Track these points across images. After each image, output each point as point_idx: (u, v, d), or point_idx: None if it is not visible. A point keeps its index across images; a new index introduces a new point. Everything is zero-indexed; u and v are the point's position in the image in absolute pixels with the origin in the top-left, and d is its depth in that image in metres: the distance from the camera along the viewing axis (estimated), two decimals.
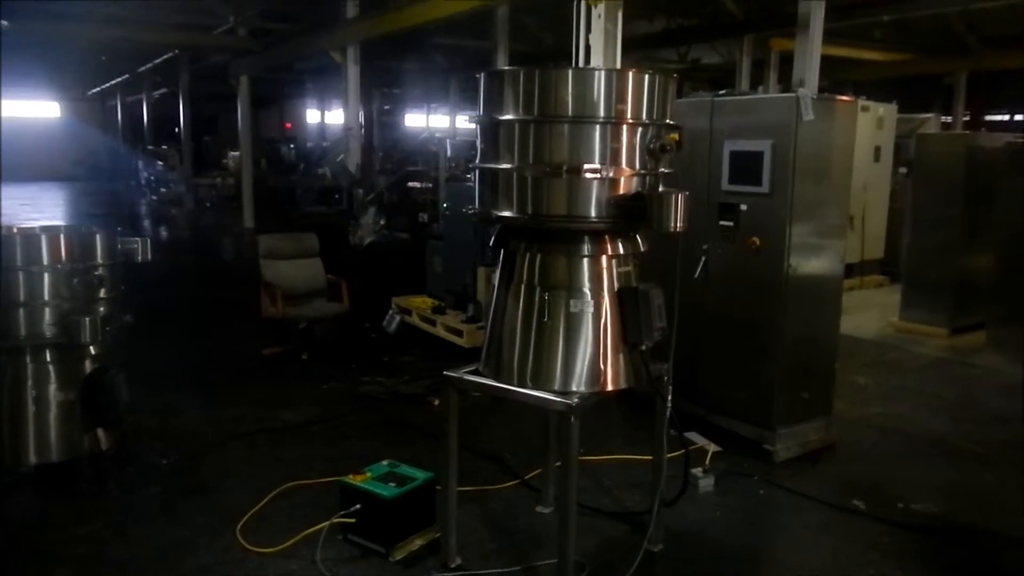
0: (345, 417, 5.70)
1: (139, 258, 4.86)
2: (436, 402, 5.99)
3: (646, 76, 3.23)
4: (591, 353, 3.37)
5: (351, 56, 12.14)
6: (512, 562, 3.77)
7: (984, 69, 17.36)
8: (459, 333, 6.95)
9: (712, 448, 5.06)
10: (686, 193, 3.16)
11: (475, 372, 3.65)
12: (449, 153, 11.49)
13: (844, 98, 4.85)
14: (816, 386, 5.12)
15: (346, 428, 5.50)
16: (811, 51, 9.32)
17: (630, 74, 3.22)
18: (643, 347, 3.41)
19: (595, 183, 3.20)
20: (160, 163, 25.02)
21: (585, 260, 3.37)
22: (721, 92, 5.29)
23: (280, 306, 6.67)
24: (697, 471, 4.68)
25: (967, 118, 19.14)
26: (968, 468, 5.04)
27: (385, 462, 4.06)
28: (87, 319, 4.36)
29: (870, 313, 9.37)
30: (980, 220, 8.30)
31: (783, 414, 4.96)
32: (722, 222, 5.07)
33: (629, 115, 3.21)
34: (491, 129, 3.40)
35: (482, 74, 3.49)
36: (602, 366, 3.38)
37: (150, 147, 26.06)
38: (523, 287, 3.46)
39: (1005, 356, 7.68)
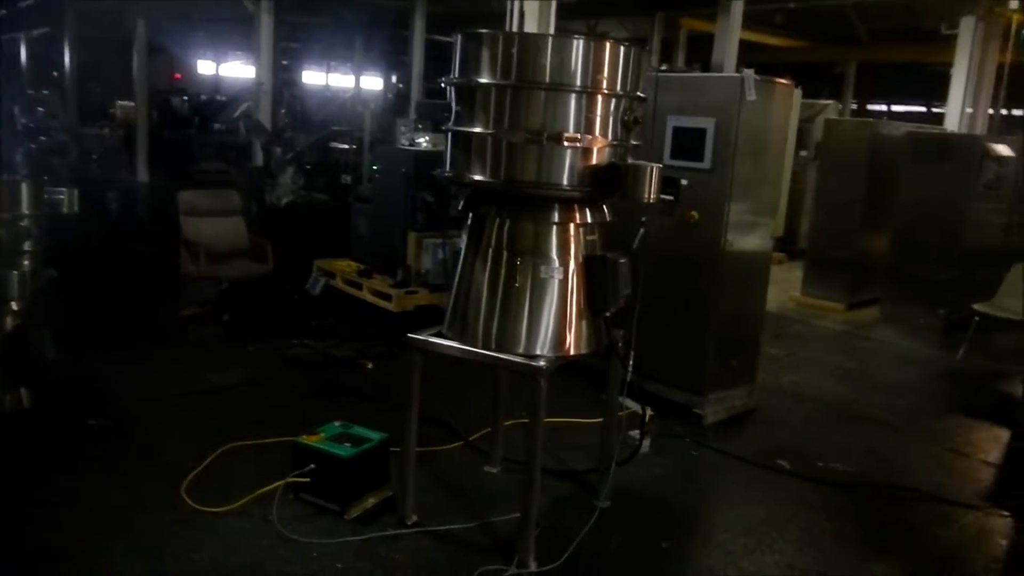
0: (277, 380, 5.61)
1: (65, 209, 4.61)
2: (370, 366, 5.97)
3: (622, 48, 3.30)
4: (556, 318, 3.45)
5: (265, 7, 11.72)
6: (468, 519, 3.84)
7: (871, 60, 18.41)
8: (387, 297, 6.90)
9: (645, 412, 5.26)
10: (660, 165, 3.26)
11: (438, 335, 3.67)
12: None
13: (782, 81, 5.07)
14: (744, 355, 5.39)
15: (280, 391, 5.41)
16: (731, 33, 9.65)
17: (607, 44, 3.28)
18: (607, 314, 3.52)
19: (571, 151, 3.26)
20: (40, 109, 23.39)
21: (555, 227, 3.44)
22: (662, 68, 5.43)
23: (202, 265, 6.45)
24: (635, 433, 4.86)
25: (854, 106, 20.25)
26: (876, 432, 5.44)
27: (337, 423, 4.04)
28: (14, 273, 4.12)
29: (773, 288, 9.78)
30: (880, 204, 8.85)
31: (713, 381, 5.21)
32: (662, 196, 5.21)
33: (606, 85, 3.27)
34: (467, 92, 3.40)
35: (458, 35, 3.48)
36: (567, 331, 3.47)
37: (29, 91, 24.31)
38: (491, 251, 3.50)
39: (897, 330, 8.29)
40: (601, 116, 3.30)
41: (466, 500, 4.10)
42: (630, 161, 3.36)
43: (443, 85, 3.51)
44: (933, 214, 8.30)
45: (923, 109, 22.64)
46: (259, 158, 12.24)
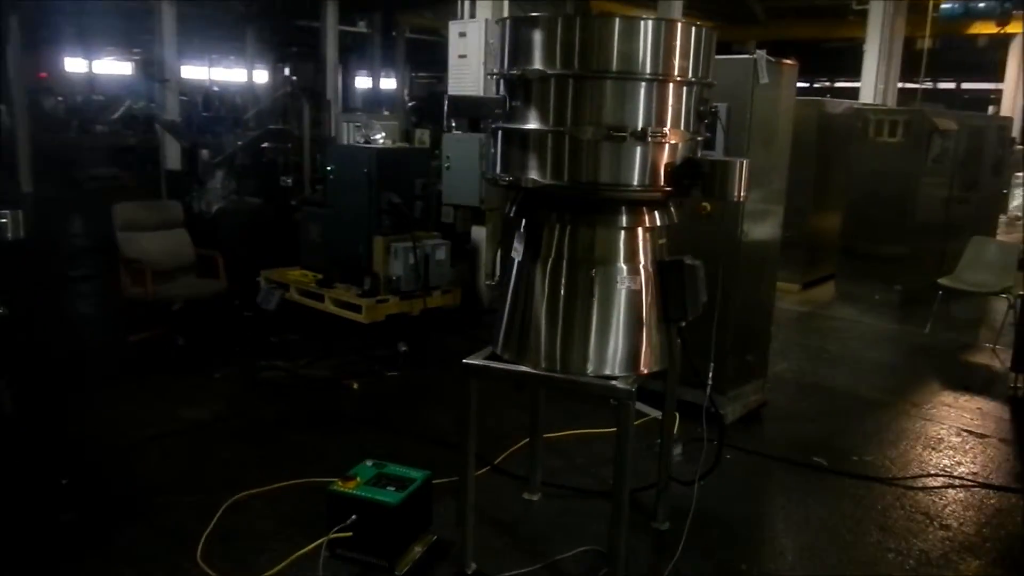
0: (256, 410, 5.04)
1: (9, 234, 3.93)
2: (355, 386, 5.47)
3: (693, 29, 2.96)
4: (628, 333, 3.11)
5: None
6: (529, 560, 3.46)
7: (769, 39, 18.83)
8: (355, 308, 6.38)
9: (656, 415, 5.01)
10: (747, 160, 2.95)
11: (492, 356, 3.27)
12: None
13: (788, 61, 4.86)
14: (758, 348, 5.20)
15: (263, 423, 4.86)
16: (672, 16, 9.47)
17: (679, 25, 2.94)
18: (682, 324, 3.21)
19: (645, 147, 2.91)
20: None
21: (623, 232, 3.09)
22: None
23: (149, 285, 5.76)
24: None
25: None
26: (891, 418, 5.34)
27: (369, 462, 3.58)
28: None
29: None
30: (829, 183, 8.90)
31: (731, 377, 4.98)
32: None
33: (679, 72, 2.94)
34: (520, 85, 3.00)
35: (505, 21, 3.07)
36: (640, 346, 3.14)
37: None
38: (551, 260, 3.13)
39: (855, 308, 8.36)
40: (674, 106, 2.96)
41: (516, 536, 3.72)
42: (712, 156, 3.04)
43: (492, 77, 3.10)
44: (884, 191, 8.38)
45: (828, 84, 23.43)
46: (169, 161, 11.36)
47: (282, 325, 6.64)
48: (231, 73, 30.61)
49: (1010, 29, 10.62)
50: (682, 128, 2.97)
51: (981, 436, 5.11)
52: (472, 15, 7.24)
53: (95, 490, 3.93)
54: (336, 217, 6.79)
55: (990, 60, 17.50)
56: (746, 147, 4.64)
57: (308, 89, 12.48)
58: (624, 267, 3.09)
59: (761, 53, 4.59)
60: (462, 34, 7.07)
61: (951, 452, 4.81)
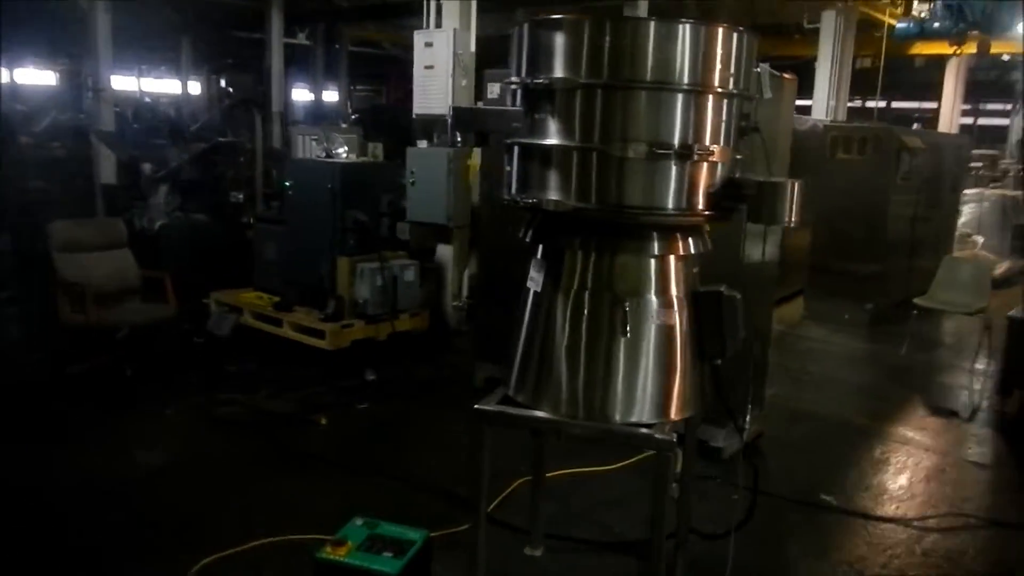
0: (218, 451, 4.56)
1: None
2: (323, 421, 5.02)
3: (735, 34, 2.66)
4: (660, 373, 2.77)
5: (101, 5, 10.19)
6: None
7: None
8: (317, 334, 5.93)
9: (678, 456, 4.70)
10: (800, 181, 2.66)
11: (506, 400, 2.90)
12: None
13: (788, 76, 4.63)
14: (756, 377, 4.93)
15: (227, 467, 4.38)
16: None
17: (721, 30, 2.63)
18: (718, 361, 2.89)
19: (686, 167, 2.59)
20: None
21: (657, 261, 2.76)
22: None
23: (91, 311, 5.21)
24: None
25: None
26: (891, 449, 5.12)
27: (360, 521, 3.15)
28: None
29: None
30: None
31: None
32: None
33: (719, 82, 2.63)
34: (540, 95, 2.65)
35: (523, 25, 2.72)
36: (671, 388, 2.80)
37: None
38: (573, 292, 2.78)
39: (826, 327, 8.23)
40: (715, 121, 2.64)
41: None
42: (760, 177, 2.74)
43: (509, 86, 2.75)
44: (854, 208, 8.30)
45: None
46: (104, 174, 10.64)
47: (237, 353, 6.13)
48: (162, 84, 29.55)
49: (965, 50, 10.73)
50: (722, 145, 2.66)
51: (981, 466, 4.94)
52: (438, 25, 6.88)
53: (24, 560, 3.40)
54: (295, 236, 6.32)
55: (925, 80, 17.92)
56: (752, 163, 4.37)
57: (250, 101, 11.92)
58: (655, 299, 2.76)
59: (764, 66, 4.32)
60: (428, 44, 6.70)
61: (955, 486, 4.62)
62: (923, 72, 17.81)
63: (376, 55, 19.59)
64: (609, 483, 4.27)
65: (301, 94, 24.92)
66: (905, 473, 4.75)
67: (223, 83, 23.64)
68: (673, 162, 2.56)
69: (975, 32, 9.90)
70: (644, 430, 2.71)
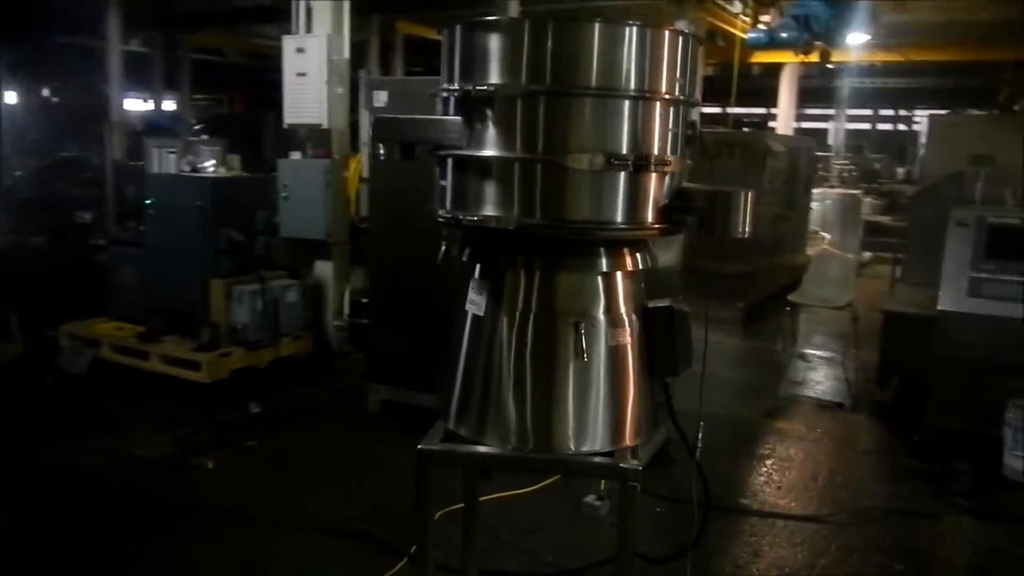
0: (86, 513, 4.00)
1: None
2: (211, 464, 4.55)
3: (680, 38, 2.53)
4: (613, 396, 2.61)
5: None
6: None
7: None
8: (192, 365, 5.40)
9: None
10: (754, 191, 2.55)
11: (448, 435, 2.64)
12: None
13: None
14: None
15: (102, 531, 3.83)
16: None
17: (667, 34, 2.49)
18: (668, 380, 2.77)
19: (640, 178, 2.44)
20: None
21: (604, 277, 2.59)
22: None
23: None
24: (591, 498, 4.15)
25: None
26: (798, 448, 5.23)
27: None
28: None
29: None
30: None
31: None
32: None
33: (665, 88, 2.49)
34: (478, 104, 2.43)
35: (453, 28, 2.49)
36: (625, 413, 2.64)
37: None
38: (518, 314, 2.56)
39: (702, 328, 8.38)
40: (664, 130, 2.50)
41: None
42: (711, 186, 2.62)
43: (442, 95, 2.51)
44: None
45: None
46: None
47: (96, 392, 5.50)
48: None
49: (810, 58, 11.36)
50: (675, 153, 2.53)
51: (872, 454, 5.14)
52: (308, 29, 6.48)
53: None
54: (159, 258, 5.74)
55: (763, 87, 18.97)
56: None
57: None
58: (605, 318, 2.59)
59: None
60: (300, 50, 6.28)
61: (856, 478, 4.78)
62: (759, 80, 18.85)
63: (217, 63, 18.58)
64: (527, 508, 4.08)
65: (133, 103, 23.34)
66: (808, 469, 4.85)
67: (46, 93, 21.73)
68: (626, 173, 2.40)
69: (819, 42, 10.51)
70: (601, 459, 2.54)
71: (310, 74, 6.25)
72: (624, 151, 2.39)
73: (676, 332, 2.68)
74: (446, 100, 2.56)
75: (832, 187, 14.65)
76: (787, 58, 13.52)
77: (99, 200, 7.18)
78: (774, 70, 16.88)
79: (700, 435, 2.85)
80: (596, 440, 2.58)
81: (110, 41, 11.52)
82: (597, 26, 2.41)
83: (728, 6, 12.21)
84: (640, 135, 2.43)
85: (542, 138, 2.39)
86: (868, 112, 26.89)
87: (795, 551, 3.88)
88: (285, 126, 6.48)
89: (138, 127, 12.28)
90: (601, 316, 2.58)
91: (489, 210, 2.46)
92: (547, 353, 2.54)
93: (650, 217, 2.50)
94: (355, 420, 5.25)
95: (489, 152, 2.43)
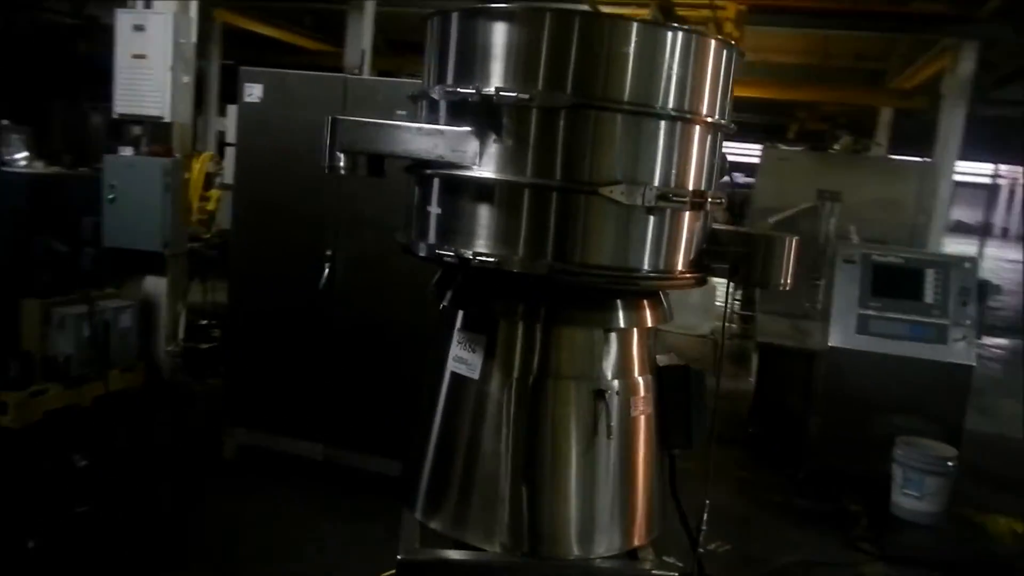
0: None
1: None
2: (31, 544, 3.57)
3: (725, 49, 2.10)
4: (624, 484, 2.14)
5: None
6: None
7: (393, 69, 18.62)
8: None
9: None
10: (797, 238, 2.16)
11: (425, 532, 2.06)
12: None
13: None
14: None
15: None
16: (365, 31, 8.55)
17: (713, 42, 2.06)
18: (675, 453, 2.33)
19: (673, 217, 2.00)
20: None
21: (619, 335, 2.12)
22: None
23: None
24: None
25: None
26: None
27: None
28: None
29: None
30: None
31: None
32: None
33: (706, 109, 2.05)
34: (475, 112, 1.90)
35: (445, 15, 1.95)
36: (636, 503, 2.16)
37: None
38: (515, 377, 2.05)
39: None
40: (699, 157, 2.07)
41: None
42: (749, 229, 2.21)
43: (428, 99, 1.95)
44: None
45: None
46: None
47: None
48: None
49: None
50: (709, 188, 2.10)
51: (765, 492, 5.03)
52: (148, 5, 5.52)
53: None
54: None
55: None
56: None
57: None
58: (617, 383, 2.11)
59: None
60: (139, 27, 5.33)
61: (766, 523, 4.61)
62: None
63: None
64: None
65: None
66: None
67: None
68: (670, 211, 1.95)
69: None
70: (624, 563, 2.07)
71: (151, 57, 5.31)
72: (656, 182, 1.95)
73: (692, 398, 2.25)
74: (430, 104, 2.00)
75: None
76: None
77: None
78: None
79: (705, 516, 2.41)
80: (604, 540, 2.11)
81: None
82: (635, 25, 1.94)
83: None
84: (677, 164, 1.99)
85: (560, 160, 1.90)
86: None
87: None
88: (115, 116, 5.47)
89: None
90: (615, 381, 2.11)
91: (481, 245, 1.93)
92: (553, 429, 2.05)
93: (680, 264, 2.06)
94: (210, 472, 4.41)
95: (488, 174, 1.90)
